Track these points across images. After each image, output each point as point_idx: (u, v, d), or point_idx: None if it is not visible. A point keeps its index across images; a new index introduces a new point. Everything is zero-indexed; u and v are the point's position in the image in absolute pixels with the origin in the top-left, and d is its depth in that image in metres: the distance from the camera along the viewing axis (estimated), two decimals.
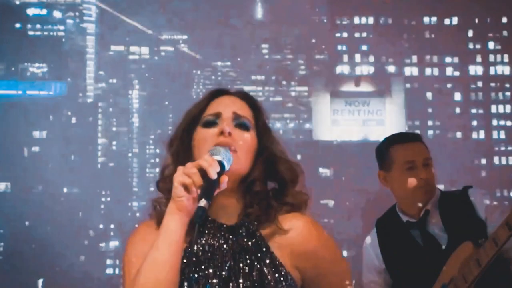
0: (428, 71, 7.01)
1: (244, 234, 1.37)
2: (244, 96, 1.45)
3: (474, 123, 6.85)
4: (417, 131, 5.93)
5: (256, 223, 1.38)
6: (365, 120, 6.79)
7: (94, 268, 7.63)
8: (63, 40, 8.62)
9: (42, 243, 7.15)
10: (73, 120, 8.34)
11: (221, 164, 1.28)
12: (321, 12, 7.33)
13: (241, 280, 1.32)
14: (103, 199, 8.45)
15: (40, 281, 7.32)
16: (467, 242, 2.16)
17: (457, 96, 6.94)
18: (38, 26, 8.46)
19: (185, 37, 8.33)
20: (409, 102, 6.76)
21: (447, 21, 7.23)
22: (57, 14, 8.70)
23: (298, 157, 1.62)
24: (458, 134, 6.67)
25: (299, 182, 1.41)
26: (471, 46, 7.20)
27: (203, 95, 1.43)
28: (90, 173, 8.06)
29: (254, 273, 1.34)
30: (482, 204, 2.25)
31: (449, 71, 7.08)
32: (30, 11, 8.47)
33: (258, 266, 1.35)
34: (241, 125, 1.38)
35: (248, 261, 1.35)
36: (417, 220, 2.26)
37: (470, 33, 7.23)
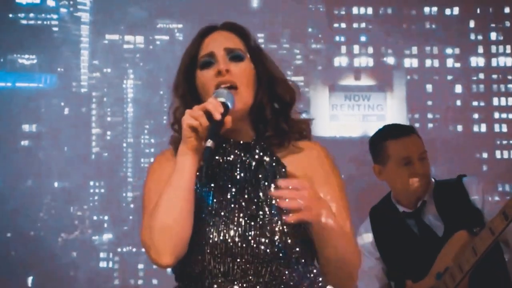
0: (428, 62, 6.87)
1: (259, 150, 1.48)
2: (231, 27, 1.54)
3: (476, 116, 6.71)
4: (417, 124, 5.85)
5: (270, 144, 1.48)
6: (365, 115, 6.61)
7: (87, 261, 7.56)
8: (56, 29, 8.50)
9: (32, 238, 7.09)
10: (66, 111, 8.21)
11: (225, 105, 1.41)
12: (316, 0, 7.19)
13: (260, 193, 1.41)
14: (96, 190, 8.30)
15: (30, 279, 7.22)
16: (462, 231, 2.18)
17: (458, 88, 6.78)
18: (30, 15, 8.35)
19: (180, 26, 8.32)
20: (408, 94, 6.60)
21: (447, 11, 7.06)
22: (50, 2, 8.59)
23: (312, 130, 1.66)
24: (459, 127, 6.55)
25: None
26: (472, 37, 7.04)
27: (194, 36, 1.53)
28: (84, 165, 7.94)
29: (269, 184, 1.44)
30: (477, 192, 2.26)
31: (449, 62, 6.91)
32: (23, 0, 8.33)
33: (273, 178, 1.45)
34: (235, 58, 1.50)
35: (264, 174, 1.45)
36: (413, 210, 2.30)
37: (472, 24, 7.08)
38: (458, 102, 6.65)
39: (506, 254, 2.35)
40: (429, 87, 6.71)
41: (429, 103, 6.66)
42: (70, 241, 7.51)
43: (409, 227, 2.35)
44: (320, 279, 1.47)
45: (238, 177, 1.47)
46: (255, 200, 1.43)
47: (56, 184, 7.64)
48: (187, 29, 8.04)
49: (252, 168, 1.48)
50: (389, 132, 2.40)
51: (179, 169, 1.40)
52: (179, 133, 1.49)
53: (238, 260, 1.39)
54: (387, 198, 2.45)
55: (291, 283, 1.42)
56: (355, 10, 6.98)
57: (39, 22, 8.31)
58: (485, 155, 6.47)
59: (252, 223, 1.41)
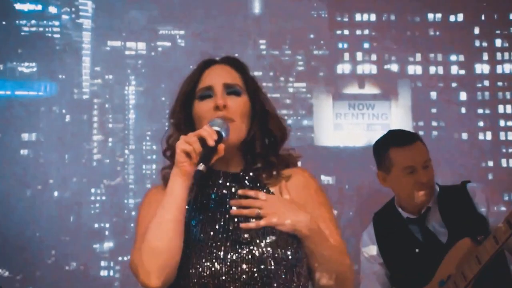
0: (432, 69, 6.80)
1: (248, 181, 1.53)
2: (231, 62, 1.59)
3: (481, 123, 6.64)
4: (421, 132, 5.77)
5: (258, 174, 1.54)
6: (369, 124, 6.51)
7: (88, 269, 7.56)
8: (58, 36, 8.53)
9: (32, 250, 7.04)
10: (67, 118, 8.21)
11: (219, 133, 1.44)
12: (319, 6, 7.17)
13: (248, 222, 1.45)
14: (98, 198, 8.28)
15: None
16: (465, 239, 2.14)
17: (463, 96, 6.71)
18: (32, 22, 8.38)
19: (182, 32, 8.31)
20: (412, 101, 6.52)
21: (452, 18, 6.99)
22: (52, 9, 8.64)
23: (298, 163, 1.67)
24: (464, 135, 6.46)
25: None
26: (477, 43, 6.98)
27: (193, 68, 1.58)
28: (85, 172, 7.94)
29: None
30: (481, 199, 2.23)
31: (454, 69, 6.84)
32: (24, 7, 8.35)
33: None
34: (233, 92, 1.54)
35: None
36: (417, 216, 2.26)
37: (476, 30, 7.02)
38: (463, 110, 6.57)
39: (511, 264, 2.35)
40: (433, 95, 6.64)
41: (433, 110, 6.58)
42: (71, 249, 7.47)
43: (412, 233, 2.33)
44: None
45: (227, 206, 1.51)
46: (244, 230, 1.47)
47: (56, 193, 7.61)
48: (188, 36, 8.05)
49: (241, 198, 1.52)
50: (393, 140, 2.36)
51: (170, 192, 1.44)
52: (171, 160, 1.54)
53: None
54: (391, 204, 2.43)
55: None
56: (358, 17, 6.90)
57: (41, 29, 8.37)
58: (490, 163, 6.42)
59: (240, 251, 1.43)
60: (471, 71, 6.81)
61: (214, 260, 1.42)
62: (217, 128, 1.46)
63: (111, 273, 7.93)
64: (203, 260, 1.42)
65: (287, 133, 1.61)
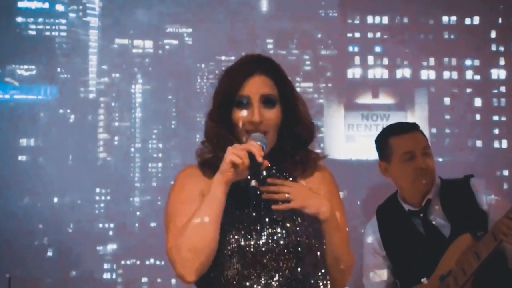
0: (446, 74, 6.63)
1: (275, 170, 1.75)
2: (268, 72, 1.77)
3: (496, 131, 6.45)
4: (434, 139, 5.60)
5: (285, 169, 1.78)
6: None
7: (91, 272, 7.53)
8: (64, 34, 8.50)
9: (34, 249, 7.04)
10: (72, 118, 8.17)
11: (262, 148, 1.64)
12: (327, 5, 7.05)
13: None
14: (103, 198, 8.21)
15: None
16: (465, 234, 2.20)
17: (478, 102, 6.54)
18: (38, 20, 8.34)
19: (189, 30, 8.32)
20: (430, 111, 6.29)
21: (467, 21, 6.84)
22: (59, 7, 8.63)
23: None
24: (478, 143, 6.29)
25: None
26: (493, 47, 6.80)
27: (236, 64, 1.78)
28: (90, 171, 7.91)
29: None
30: (483, 194, 2.30)
31: (469, 74, 6.66)
32: (31, 5, 8.31)
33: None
34: (268, 102, 1.72)
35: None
36: (419, 209, 2.34)
37: (493, 34, 6.85)
38: (478, 117, 6.39)
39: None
40: (447, 100, 6.45)
41: (447, 117, 6.40)
42: (74, 251, 7.44)
43: (415, 226, 2.39)
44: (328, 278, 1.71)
45: (258, 193, 1.66)
46: (275, 211, 1.68)
47: (58, 194, 7.54)
48: (196, 34, 8.06)
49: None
50: (392, 129, 2.48)
51: (214, 196, 1.60)
52: (208, 149, 1.74)
53: (264, 260, 1.61)
54: (393, 197, 2.49)
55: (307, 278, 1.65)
56: (369, 19, 6.72)
57: (47, 27, 8.38)
58: (505, 172, 6.20)
59: (275, 227, 1.64)
60: (486, 77, 6.63)
61: (253, 233, 1.63)
62: (260, 144, 1.64)
63: (114, 276, 7.87)
64: (242, 232, 1.63)
65: (314, 135, 1.80)
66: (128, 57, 8.66)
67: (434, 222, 2.36)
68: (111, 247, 8.08)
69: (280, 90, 1.79)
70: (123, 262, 7.83)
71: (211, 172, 1.69)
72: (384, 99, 6.39)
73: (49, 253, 7.27)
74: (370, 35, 6.73)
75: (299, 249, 1.65)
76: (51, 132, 7.60)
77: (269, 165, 1.68)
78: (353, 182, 6.13)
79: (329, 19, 7.04)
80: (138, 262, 7.96)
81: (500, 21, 6.88)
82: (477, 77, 6.65)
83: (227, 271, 1.64)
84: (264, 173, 1.73)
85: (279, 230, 1.66)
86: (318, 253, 1.70)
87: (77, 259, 7.54)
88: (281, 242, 1.65)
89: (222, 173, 1.62)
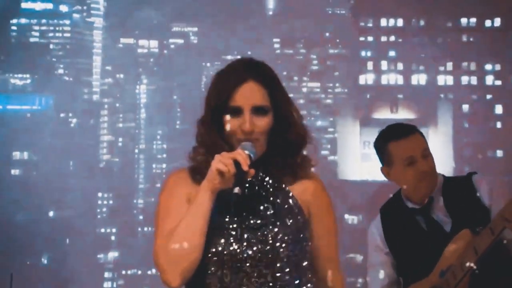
0: (465, 79, 6.41)
1: (265, 175, 1.71)
2: (261, 79, 1.71)
3: None
4: (451, 150, 5.29)
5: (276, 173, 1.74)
6: None
7: (91, 281, 7.52)
8: (68, 35, 8.60)
9: (36, 252, 7.04)
10: (73, 122, 8.16)
11: (250, 157, 1.62)
12: (334, 3, 7.02)
13: (265, 204, 1.69)
14: (105, 202, 8.26)
15: None
16: (465, 230, 2.23)
17: (498, 109, 6.35)
18: (42, 21, 8.43)
19: (195, 29, 8.35)
20: (455, 127, 5.95)
21: (488, 23, 6.66)
22: (63, 8, 8.80)
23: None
24: (499, 152, 6.05)
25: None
26: None
27: (227, 69, 1.70)
28: (92, 173, 7.97)
29: (276, 199, 1.70)
30: (486, 190, 2.31)
31: (489, 80, 6.53)
32: (35, 6, 8.33)
33: (276, 197, 1.71)
34: (260, 111, 1.69)
35: (270, 191, 1.72)
36: (421, 206, 2.36)
37: None
38: (499, 124, 6.23)
39: None
40: (465, 107, 6.24)
41: (466, 125, 6.14)
42: (75, 257, 7.34)
43: (417, 223, 2.41)
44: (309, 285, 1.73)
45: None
46: (256, 216, 1.69)
47: (60, 197, 7.49)
48: (202, 32, 8.10)
49: (261, 191, 1.73)
50: (390, 134, 2.45)
51: (200, 203, 1.64)
52: (199, 154, 1.73)
53: (244, 267, 1.63)
54: (397, 195, 2.49)
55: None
56: (383, 22, 6.53)
57: (51, 28, 8.48)
58: None
59: (253, 234, 1.66)
60: (508, 82, 6.48)
61: (232, 241, 1.65)
62: (248, 153, 1.65)
63: (115, 285, 7.90)
64: (222, 241, 1.65)
65: (306, 140, 1.77)
66: (132, 57, 8.76)
67: (436, 219, 2.37)
68: (113, 254, 8.02)
69: (272, 97, 1.76)
70: (123, 272, 7.75)
71: (200, 178, 1.69)
72: (404, 113, 6.01)
73: (44, 261, 7.25)
74: (383, 38, 6.54)
75: (281, 256, 1.67)
76: (50, 141, 7.46)
77: (254, 173, 1.68)
78: (368, 205, 5.77)
79: (337, 17, 7.00)
80: (139, 272, 7.81)
81: None
82: (498, 82, 6.50)
83: (209, 278, 1.67)
84: (253, 179, 1.74)
85: (260, 237, 1.69)
86: (300, 260, 1.71)
87: (78, 268, 7.39)
88: (262, 249, 1.68)
89: (209, 181, 1.64)
